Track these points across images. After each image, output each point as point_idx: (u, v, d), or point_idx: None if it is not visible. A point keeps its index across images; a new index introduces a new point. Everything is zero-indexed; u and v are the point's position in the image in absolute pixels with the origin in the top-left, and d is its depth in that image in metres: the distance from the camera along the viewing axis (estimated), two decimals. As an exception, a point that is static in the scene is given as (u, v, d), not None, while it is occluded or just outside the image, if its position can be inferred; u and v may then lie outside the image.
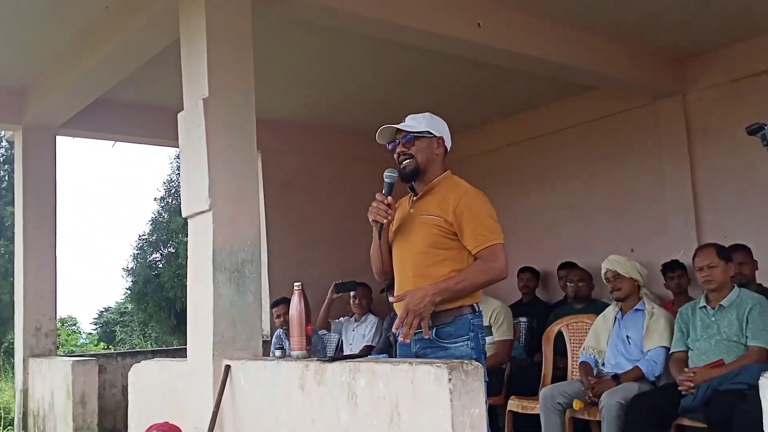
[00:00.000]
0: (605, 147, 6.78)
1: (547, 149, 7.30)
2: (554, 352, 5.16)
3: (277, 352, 3.30)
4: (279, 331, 6.08)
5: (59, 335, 18.69)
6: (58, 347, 6.35)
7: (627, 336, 4.53)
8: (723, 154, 5.87)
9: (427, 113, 3.08)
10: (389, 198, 2.93)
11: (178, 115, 3.80)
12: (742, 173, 5.69)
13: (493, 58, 5.20)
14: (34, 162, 6.00)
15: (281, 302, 5.90)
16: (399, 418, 2.44)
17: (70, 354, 18.38)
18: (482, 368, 2.39)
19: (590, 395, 4.30)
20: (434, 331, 2.85)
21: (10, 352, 15.55)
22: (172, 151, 14.98)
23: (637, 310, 4.58)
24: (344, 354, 6.03)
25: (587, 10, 5.07)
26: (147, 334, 20.17)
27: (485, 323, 5.02)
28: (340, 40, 5.24)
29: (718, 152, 5.93)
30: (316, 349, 5.68)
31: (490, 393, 3.94)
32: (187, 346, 3.72)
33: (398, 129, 3.02)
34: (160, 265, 16.49)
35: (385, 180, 2.96)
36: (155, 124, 6.39)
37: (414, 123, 3.02)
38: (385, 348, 5.67)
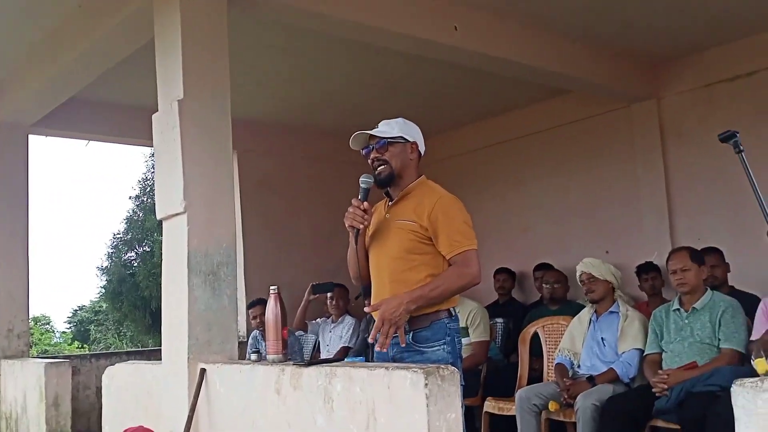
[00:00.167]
0: (580, 150, 6.84)
1: (522, 152, 7.34)
2: (530, 353, 5.18)
3: (253, 356, 3.29)
4: (255, 333, 6.06)
5: (32, 334, 18.51)
6: (31, 347, 6.27)
7: (602, 338, 4.57)
8: (696, 157, 5.94)
9: (400, 118, 3.08)
10: (365, 203, 2.93)
11: (153, 116, 3.77)
12: (715, 177, 5.76)
13: (469, 61, 5.22)
14: (5, 161, 5.91)
15: (257, 303, 5.87)
16: (375, 422, 2.44)
17: (44, 354, 18.21)
18: (458, 373, 2.39)
19: (566, 397, 4.33)
20: (411, 335, 2.86)
21: (-19, 353, 15.34)
22: (147, 150, 14.87)
23: (611, 312, 4.62)
24: (321, 356, 6.03)
25: (563, 15, 5.10)
26: (122, 333, 20.02)
27: (462, 324, 5.04)
28: (316, 42, 5.23)
29: (691, 156, 6.00)
30: (293, 350, 5.66)
31: (466, 394, 3.96)
32: (162, 349, 3.68)
33: (372, 135, 3.02)
34: (135, 264, 16.36)
35: (361, 185, 2.97)
36: (129, 123, 6.31)
37: (387, 128, 3.03)
38: (362, 349, 5.67)
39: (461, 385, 2.43)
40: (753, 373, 3.45)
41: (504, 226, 7.38)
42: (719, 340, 3.98)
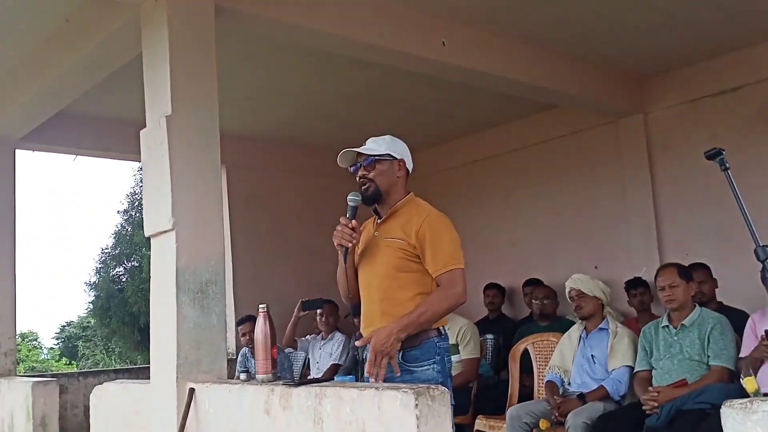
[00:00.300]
0: (568, 165, 6.86)
1: (510, 166, 7.36)
2: (521, 370, 5.17)
3: (242, 375, 3.26)
4: (244, 350, 6.02)
5: (20, 351, 18.36)
6: (18, 364, 6.20)
7: (592, 355, 4.57)
8: (684, 172, 5.97)
9: (387, 136, 3.09)
10: (353, 222, 2.93)
11: (141, 132, 3.74)
12: (703, 192, 5.78)
13: (457, 76, 5.23)
14: (-8, 176, 5.87)
15: (247, 320, 5.85)
16: (365, 443, 2.41)
17: (31, 371, 18.07)
18: (449, 393, 2.38)
19: (556, 415, 4.32)
20: (400, 354, 2.85)
21: (-33, 370, 15.19)
22: (135, 164, 14.77)
23: (601, 329, 4.62)
24: (311, 373, 6.00)
25: (550, 30, 5.13)
26: (110, 350, 19.87)
27: (452, 341, 5.02)
28: (304, 57, 5.23)
29: (678, 171, 6.03)
30: (282, 368, 5.63)
31: (457, 412, 3.94)
32: (151, 369, 3.65)
33: (359, 152, 3.02)
34: (124, 279, 16.24)
35: (349, 203, 2.97)
36: (117, 138, 6.29)
37: (374, 146, 3.03)
38: (352, 366, 5.65)
39: (451, 404, 2.42)
40: (742, 391, 3.47)
41: (492, 241, 7.38)
42: (708, 357, 3.99)
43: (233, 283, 6.85)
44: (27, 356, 22.89)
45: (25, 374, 8.42)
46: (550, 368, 4.78)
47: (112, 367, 13.67)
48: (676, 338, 4.14)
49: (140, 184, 15.91)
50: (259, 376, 3.08)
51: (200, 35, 3.74)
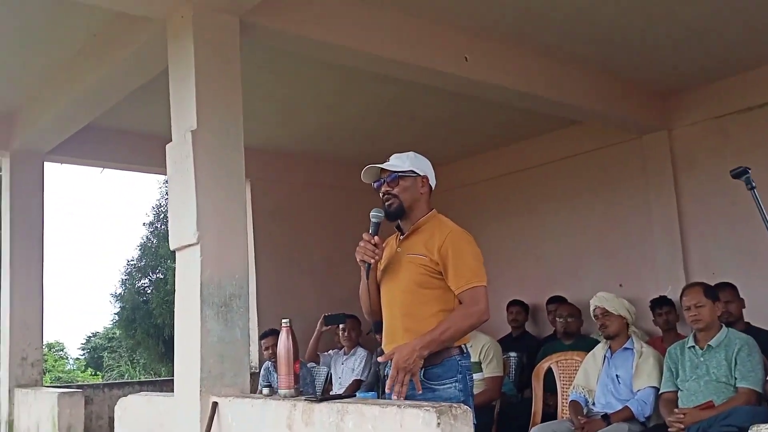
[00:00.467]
0: (592, 181, 6.82)
1: (534, 182, 7.33)
2: (544, 388, 5.12)
3: (265, 390, 3.27)
4: (267, 364, 6.03)
5: (46, 361, 18.53)
6: (44, 374, 6.26)
7: (617, 375, 4.50)
8: (709, 190, 5.91)
9: (411, 152, 3.10)
10: (376, 237, 2.94)
11: (167, 146, 3.78)
12: (729, 210, 5.71)
13: (480, 91, 5.23)
14: (21, 188, 5.96)
15: (270, 334, 5.86)
16: (386, 461, 2.41)
17: (57, 381, 18.22)
18: (471, 411, 2.37)
19: (580, 435, 4.27)
20: (422, 372, 2.83)
21: (-5, 379, 15.36)
22: (161, 177, 14.93)
23: (626, 348, 4.56)
24: (333, 388, 5.99)
25: (574, 45, 5.12)
26: (135, 361, 19.99)
27: (475, 359, 4.99)
28: (329, 71, 5.27)
29: (704, 188, 5.97)
30: (305, 383, 5.64)
31: (479, 431, 3.90)
32: (175, 382, 3.67)
33: (383, 168, 3.04)
34: (149, 291, 16.38)
35: (372, 220, 2.97)
36: (143, 151, 6.37)
37: (398, 162, 3.04)
38: (374, 382, 5.62)
39: (474, 423, 2.40)
40: (770, 414, 3.41)
41: (516, 257, 7.34)
42: (735, 378, 3.92)
43: (256, 296, 6.88)
44: (53, 366, 23.10)
45: (51, 385, 8.49)
46: (574, 387, 4.72)
47: (137, 379, 13.77)
48: (702, 359, 4.08)
49: (166, 197, 16.07)
50: (281, 391, 3.08)
51: (225, 50, 3.78)
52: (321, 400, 2.77)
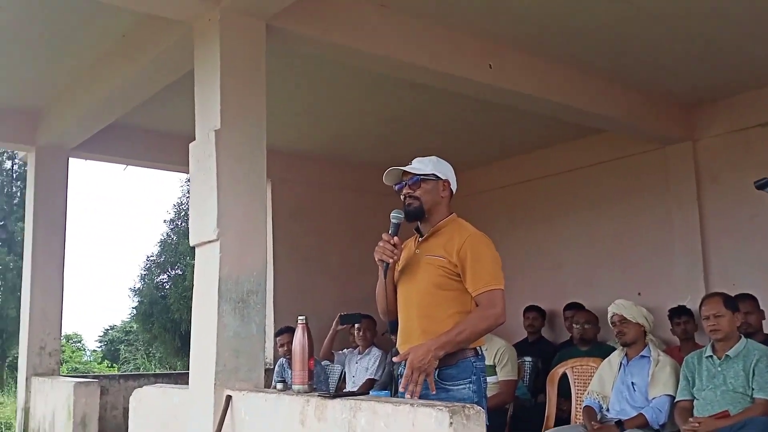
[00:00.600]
0: (614, 190, 6.79)
1: (555, 190, 7.31)
2: (558, 394, 5.11)
3: (279, 385, 3.29)
4: (282, 361, 6.06)
5: (63, 352, 18.74)
6: (61, 365, 6.34)
7: (632, 382, 4.48)
8: (732, 201, 5.87)
9: (433, 156, 3.13)
10: (395, 238, 2.96)
11: (190, 145, 3.83)
12: (751, 221, 5.67)
13: (503, 98, 5.24)
14: (45, 183, 6.05)
15: (285, 331, 5.89)
16: (398, 459, 2.42)
17: (74, 372, 18.41)
18: (483, 412, 2.38)
19: (593, 441, 4.26)
20: (436, 372, 2.85)
21: (13, 367, 15.57)
22: (183, 175, 15.06)
23: (642, 356, 4.54)
24: (346, 387, 6.01)
25: (599, 55, 5.11)
26: (151, 355, 20.16)
27: (489, 362, 4.99)
28: (352, 75, 5.29)
29: (726, 200, 5.93)
30: (319, 380, 5.66)
31: (491, 434, 3.91)
32: (190, 374, 3.71)
33: (405, 171, 3.06)
34: (167, 287, 16.53)
35: (392, 221, 2.99)
36: (166, 150, 6.45)
37: (420, 165, 3.06)
38: (388, 382, 5.64)
39: (486, 425, 2.41)
40: (786, 426, 3.38)
41: (535, 263, 7.33)
42: (753, 389, 3.89)
43: (273, 294, 6.93)
44: (70, 357, 23.34)
45: (68, 375, 8.57)
46: (588, 393, 4.71)
47: (152, 372, 13.88)
48: (719, 369, 4.06)
49: (187, 195, 16.21)
50: (295, 387, 3.10)
51: (251, 53, 3.83)
52: (334, 397, 2.79)
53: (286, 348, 5.78)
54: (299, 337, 3.14)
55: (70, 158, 6.20)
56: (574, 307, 6.46)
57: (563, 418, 5.09)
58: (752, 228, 5.68)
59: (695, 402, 4.13)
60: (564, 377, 5.16)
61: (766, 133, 5.71)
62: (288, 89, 5.51)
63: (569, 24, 4.61)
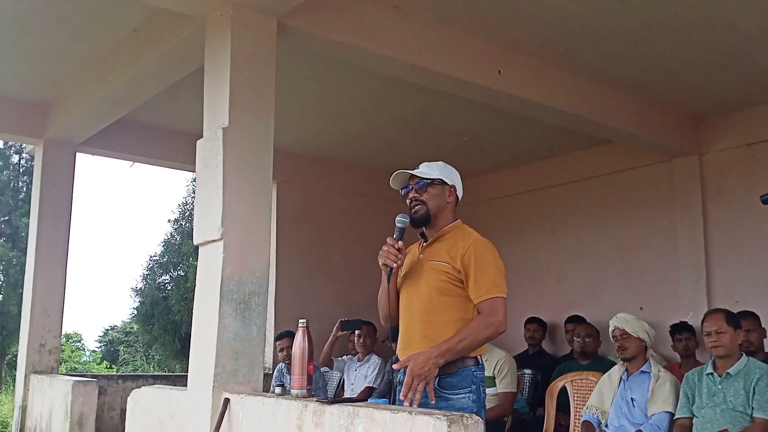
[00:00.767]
0: (619, 202, 6.78)
1: (559, 200, 7.30)
2: (557, 407, 5.08)
3: (277, 389, 3.27)
4: (281, 366, 6.04)
5: (63, 351, 18.72)
6: (60, 364, 6.33)
7: (632, 398, 4.45)
8: (737, 217, 5.85)
9: (440, 162, 3.12)
10: (400, 242, 2.95)
11: (197, 142, 3.83)
12: (756, 238, 5.65)
13: (511, 105, 5.23)
14: (52, 177, 6.05)
15: (285, 335, 5.87)
16: (394, 467, 2.40)
17: (73, 371, 18.39)
18: (482, 423, 2.36)
19: (590, 455, 4.23)
20: (437, 380, 2.83)
21: (13, 365, 15.57)
22: (188, 174, 15.08)
23: (642, 371, 4.50)
24: (345, 394, 5.98)
25: (608, 65, 5.11)
26: (150, 356, 20.13)
27: (489, 374, 4.97)
28: (359, 77, 5.30)
29: (732, 215, 5.91)
30: (317, 386, 5.63)
31: (489, 445, 3.88)
32: (189, 375, 3.70)
33: (412, 175, 3.05)
34: (169, 288, 16.51)
35: (397, 225, 2.98)
36: (173, 147, 6.45)
37: (428, 170, 3.06)
38: (387, 390, 5.60)
39: (484, 435, 2.39)
40: (787, 446, 3.35)
41: (537, 274, 7.30)
42: (752, 408, 3.86)
43: (275, 297, 6.91)
44: (70, 357, 23.32)
45: (67, 374, 8.54)
46: (587, 408, 4.67)
47: (151, 373, 13.87)
48: (720, 387, 4.03)
49: (192, 195, 16.21)
50: (293, 391, 3.09)
51: (262, 51, 3.83)
52: (332, 402, 2.77)
53: (285, 352, 5.77)
54: (299, 341, 3.12)
55: (77, 153, 6.20)
56: (576, 320, 6.43)
57: None
58: (757, 244, 5.66)
59: (695, 420, 4.09)
60: (563, 391, 5.13)
61: (775, 149, 5.70)
62: (296, 89, 5.52)
63: (580, 32, 4.61)
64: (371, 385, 5.92)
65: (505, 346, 5.69)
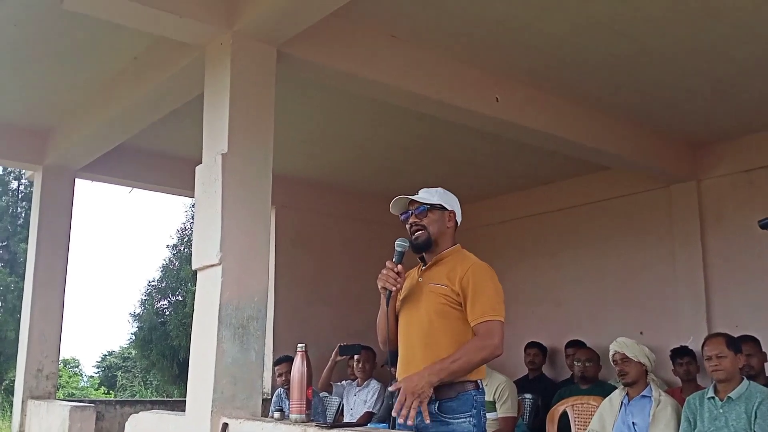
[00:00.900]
0: (618, 227, 6.79)
1: (559, 225, 7.31)
2: (558, 432, 5.06)
3: (276, 414, 3.26)
4: (280, 391, 6.00)
5: (60, 377, 18.62)
6: (57, 389, 6.29)
7: (633, 422, 4.43)
8: (736, 242, 5.86)
9: (439, 188, 3.15)
10: (399, 266, 2.96)
11: (196, 168, 3.85)
12: (755, 263, 5.66)
13: (509, 132, 5.26)
14: (51, 203, 6.05)
15: (284, 360, 5.85)
16: (394, 492, 2.39)
17: (70, 397, 18.25)
18: (482, 447, 2.35)
19: (592, 481, 4.20)
20: (437, 405, 2.83)
21: (10, 390, 15.45)
22: (187, 200, 15.14)
23: (643, 396, 4.49)
24: (344, 420, 5.95)
25: (604, 92, 5.15)
26: (148, 382, 20.00)
27: (489, 398, 4.94)
28: (358, 104, 5.33)
29: (731, 240, 5.92)
30: (316, 412, 5.59)
31: (489, 471, 3.86)
32: (187, 400, 3.68)
33: (412, 200, 3.08)
34: (167, 313, 16.45)
35: (396, 249, 3.00)
36: (173, 173, 6.46)
37: (427, 196, 3.09)
38: (386, 415, 5.57)
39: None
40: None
41: (537, 299, 7.29)
42: (754, 432, 3.85)
43: (273, 321, 6.88)
44: (67, 383, 23.14)
45: (64, 399, 8.49)
46: (588, 432, 4.66)
47: (149, 399, 13.78)
48: (721, 411, 4.01)
49: (191, 221, 16.22)
50: (292, 416, 3.07)
51: (261, 78, 3.86)
52: (332, 427, 2.76)
53: (284, 377, 5.73)
54: (298, 365, 3.11)
55: (76, 179, 6.21)
56: (576, 344, 6.41)
57: (562, 457, 5.03)
58: (756, 269, 5.66)
59: (697, 444, 4.08)
60: (564, 415, 5.11)
61: (772, 175, 5.73)
62: (296, 115, 5.54)
63: (577, 60, 4.65)
64: (370, 410, 5.89)
65: (506, 370, 5.67)
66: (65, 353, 23.84)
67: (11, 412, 6.22)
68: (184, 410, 3.71)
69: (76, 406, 5.21)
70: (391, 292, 2.97)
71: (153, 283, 16.96)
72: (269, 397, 6.41)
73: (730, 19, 4.13)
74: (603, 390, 5.38)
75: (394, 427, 3.00)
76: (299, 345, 3.14)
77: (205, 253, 3.66)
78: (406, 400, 2.74)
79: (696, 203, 6.18)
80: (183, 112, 4.91)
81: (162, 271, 17.02)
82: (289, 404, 3.17)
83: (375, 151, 6.52)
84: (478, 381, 2.93)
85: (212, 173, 3.68)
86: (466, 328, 2.89)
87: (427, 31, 4.34)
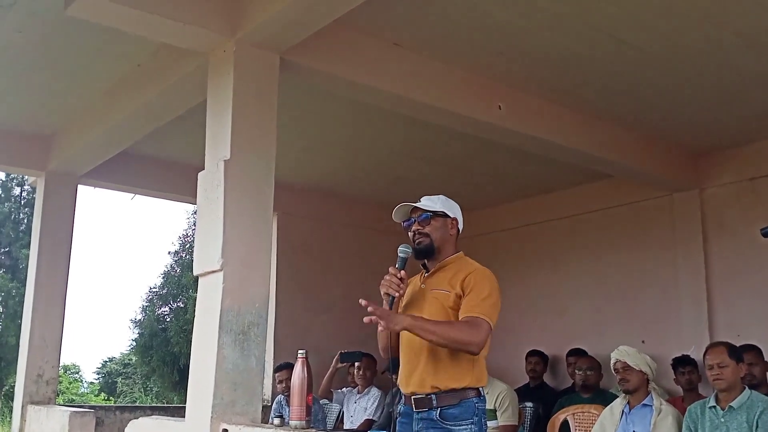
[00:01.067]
0: (620, 236, 6.78)
1: (561, 234, 7.30)
2: (558, 441, 5.04)
3: (276, 420, 3.26)
4: (280, 397, 6.00)
5: (60, 382, 18.62)
6: (58, 395, 6.28)
7: (634, 431, 4.42)
8: (738, 251, 5.85)
9: (441, 195, 3.16)
10: (402, 272, 2.95)
11: (199, 174, 3.86)
12: (757, 272, 5.65)
13: (512, 140, 5.27)
14: (53, 209, 6.06)
15: (284, 367, 5.85)
16: (394, 500, 2.38)
17: (70, 403, 18.23)
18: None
19: (593, 489, 4.18)
20: (438, 411, 2.84)
21: (10, 396, 15.44)
22: (189, 206, 15.12)
23: (645, 405, 4.47)
24: (344, 427, 5.94)
25: (607, 101, 5.15)
26: (148, 388, 19.99)
27: (490, 406, 4.93)
28: (363, 112, 5.34)
29: (733, 249, 5.92)
30: (316, 419, 5.59)
31: (490, 479, 3.84)
32: (187, 406, 3.68)
33: (414, 208, 3.08)
34: (168, 319, 16.43)
35: (399, 255, 3.00)
36: (175, 180, 6.48)
37: (430, 203, 3.09)
38: (386, 423, 5.57)
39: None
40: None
41: (538, 308, 7.28)
42: (756, 442, 3.83)
43: (274, 328, 6.87)
44: (67, 388, 23.14)
45: (64, 404, 8.48)
46: (589, 441, 4.64)
47: (149, 405, 13.76)
48: (723, 420, 3.99)
49: (192, 227, 16.22)
50: (292, 422, 3.07)
51: (264, 85, 3.88)
52: (332, 434, 2.76)
53: (284, 384, 5.73)
54: (298, 372, 3.12)
55: (78, 185, 6.22)
56: (577, 353, 6.39)
57: (563, 465, 5.01)
58: (758, 278, 5.66)
59: (698, 454, 4.06)
60: (565, 424, 5.10)
61: (776, 183, 5.73)
62: (298, 123, 5.56)
63: (579, 69, 4.66)
64: (371, 417, 5.87)
65: (507, 378, 5.66)
66: (66, 359, 23.87)
67: (11, 418, 6.22)
68: (183, 416, 3.71)
69: (76, 412, 5.20)
70: (394, 297, 2.95)
71: (154, 290, 16.96)
72: (269, 403, 6.40)
73: (734, 29, 4.15)
74: (604, 398, 5.37)
75: (393, 435, 3.00)
76: (300, 351, 3.15)
77: (206, 259, 3.67)
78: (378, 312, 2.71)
79: (698, 212, 6.18)
80: (186, 118, 4.92)
81: (163, 278, 17.01)
82: (289, 411, 3.17)
83: (378, 159, 6.52)
84: (480, 388, 2.92)
85: (214, 180, 3.69)
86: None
87: (430, 39, 4.35)
